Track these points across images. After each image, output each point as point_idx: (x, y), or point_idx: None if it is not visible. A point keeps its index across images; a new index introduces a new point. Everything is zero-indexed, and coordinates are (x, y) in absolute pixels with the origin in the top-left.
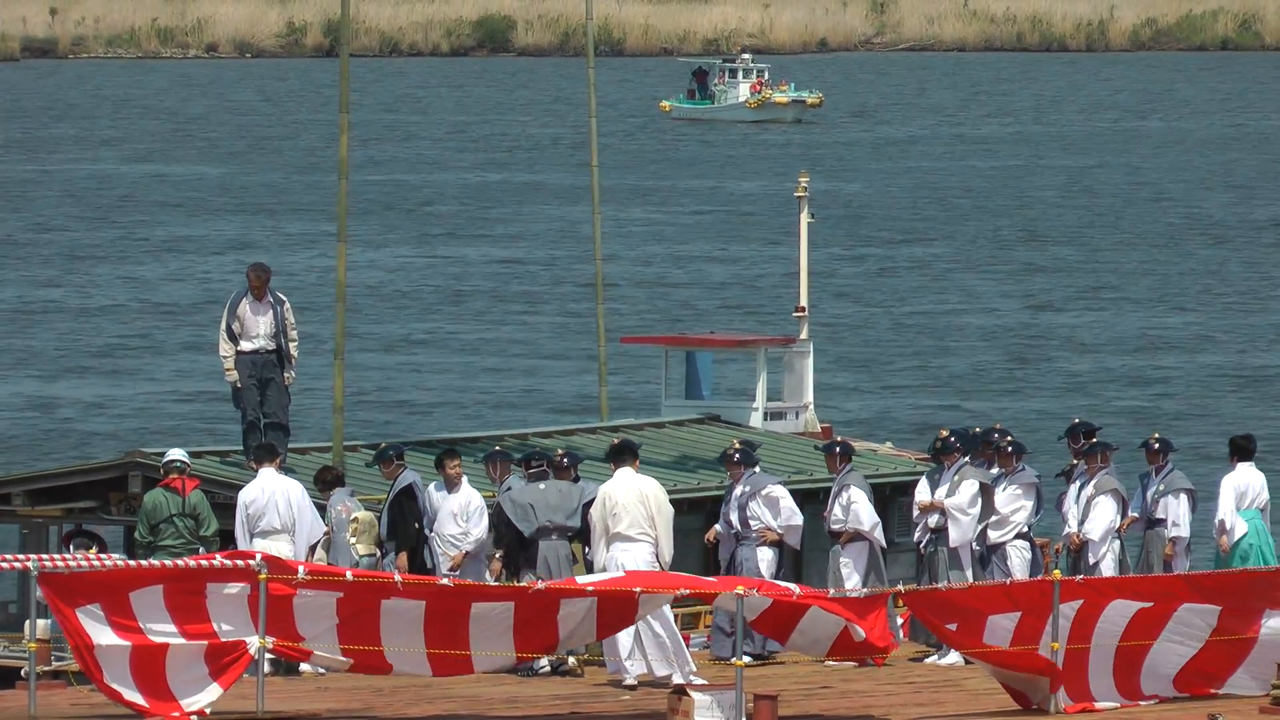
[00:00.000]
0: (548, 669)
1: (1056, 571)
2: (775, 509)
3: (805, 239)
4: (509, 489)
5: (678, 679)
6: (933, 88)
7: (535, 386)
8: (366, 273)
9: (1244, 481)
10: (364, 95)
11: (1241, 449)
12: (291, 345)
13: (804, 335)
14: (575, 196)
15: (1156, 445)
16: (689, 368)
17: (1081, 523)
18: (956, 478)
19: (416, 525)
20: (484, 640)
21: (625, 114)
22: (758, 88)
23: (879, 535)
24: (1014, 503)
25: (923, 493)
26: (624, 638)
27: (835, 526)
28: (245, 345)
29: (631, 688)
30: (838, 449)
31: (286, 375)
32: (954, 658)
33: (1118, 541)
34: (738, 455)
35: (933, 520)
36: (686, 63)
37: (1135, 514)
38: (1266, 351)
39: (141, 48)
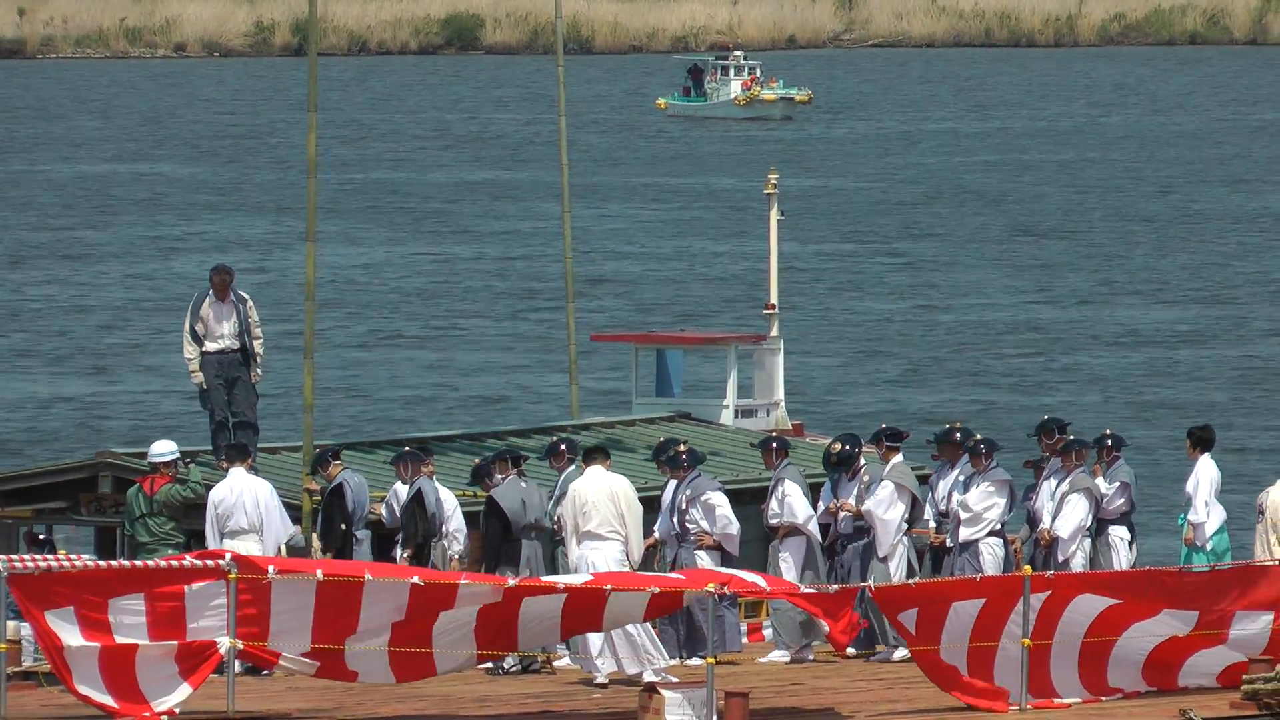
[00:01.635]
0: (518, 667)
1: (1027, 567)
2: (712, 516)
3: (775, 236)
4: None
5: (649, 677)
6: (911, 83)
7: (506, 385)
8: (339, 271)
9: (1215, 473)
10: (338, 94)
11: (1203, 440)
12: (256, 344)
13: (774, 332)
14: (553, 194)
15: (1110, 441)
16: (659, 365)
17: (1053, 520)
18: (866, 479)
19: (344, 526)
20: (446, 640)
21: (619, 111)
22: (749, 85)
23: (814, 529)
24: (986, 500)
25: (843, 495)
26: (594, 636)
27: (773, 521)
28: (210, 345)
29: (602, 686)
30: (774, 444)
31: (253, 373)
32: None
33: (1089, 540)
34: (685, 458)
35: (843, 524)
36: (682, 60)
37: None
38: (1248, 344)
39: (110, 47)
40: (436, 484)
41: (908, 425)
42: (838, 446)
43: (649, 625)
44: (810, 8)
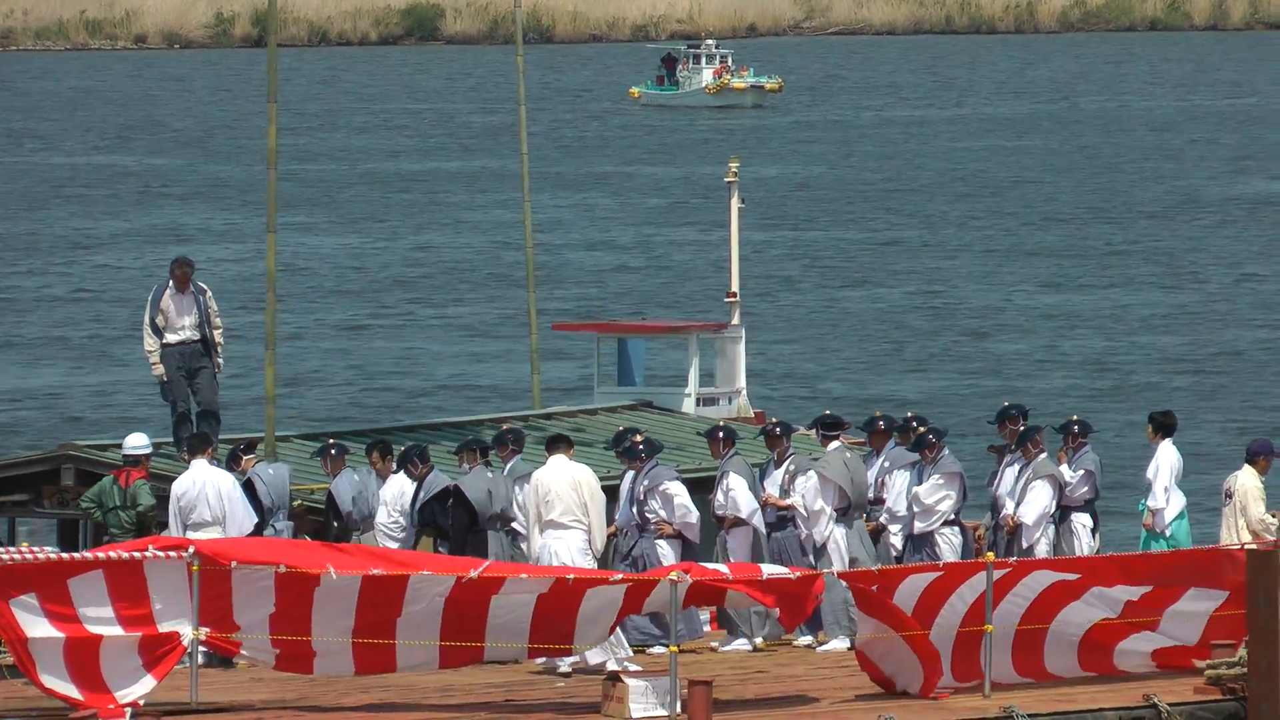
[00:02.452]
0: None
1: (989, 554)
2: (671, 506)
3: (736, 224)
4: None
5: (612, 666)
6: (877, 71)
7: (468, 374)
8: (299, 261)
9: (1176, 459)
10: (300, 85)
11: (1164, 425)
12: (216, 334)
13: (735, 320)
14: (517, 183)
15: (1076, 428)
16: (621, 354)
17: (1016, 506)
18: (792, 469)
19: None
20: (410, 635)
21: (593, 100)
22: (720, 73)
23: (758, 521)
24: (937, 493)
25: (769, 486)
26: None
27: (718, 512)
28: (170, 337)
29: (566, 675)
30: (720, 434)
31: (215, 364)
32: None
33: (1052, 527)
34: (642, 448)
35: (767, 513)
36: (656, 49)
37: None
38: (1216, 329)
39: (70, 40)
40: (357, 477)
41: (877, 411)
42: (773, 420)
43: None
44: None
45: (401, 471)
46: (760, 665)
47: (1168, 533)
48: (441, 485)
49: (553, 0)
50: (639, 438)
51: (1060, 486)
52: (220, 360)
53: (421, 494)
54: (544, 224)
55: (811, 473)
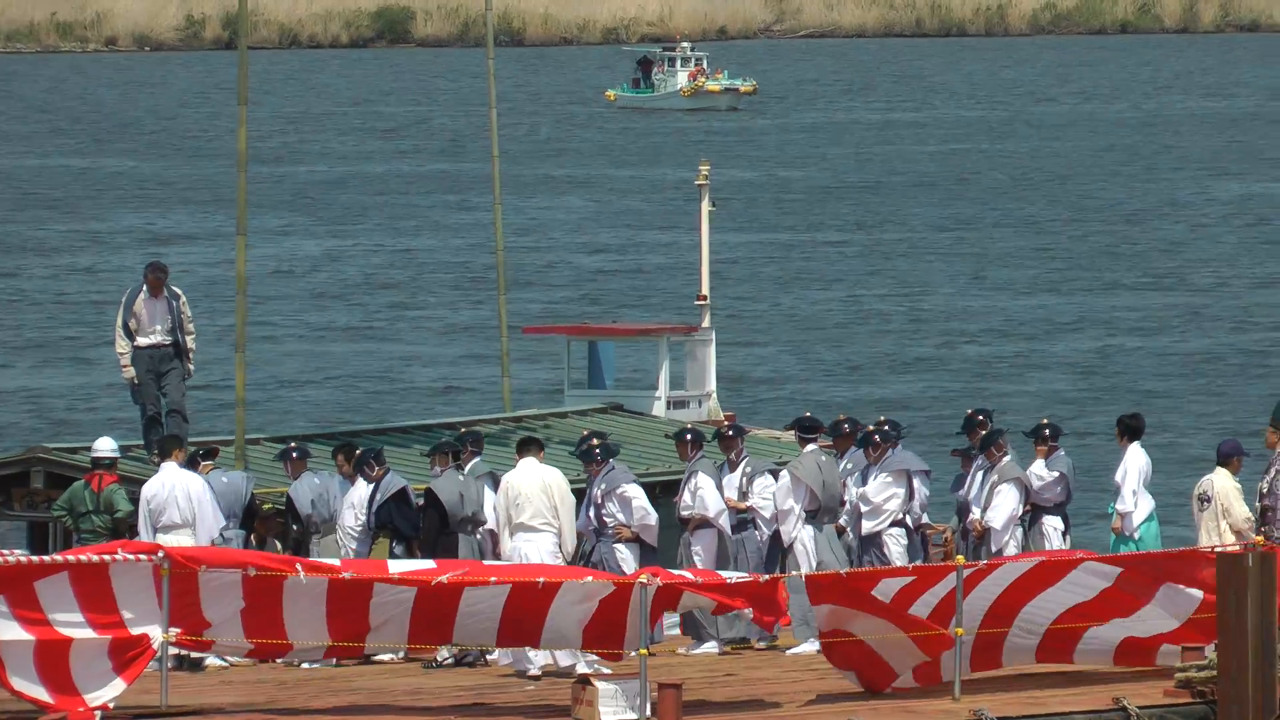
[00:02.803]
0: (451, 660)
1: (960, 557)
2: (629, 509)
3: (706, 227)
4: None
5: (582, 669)
6: (850, 73)
7: (438, 377)
8: (272, 264)
9: (1144, 462)
10: (270, 87)
11: (1133, 429)
12: (189, 339)
13: (706, 323)
14: (486, 187)
15: (1047, 431)
16: (591, 357)
17: (984, 510)
18: (749, 470)
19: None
20: (381, 617)
21: (569, 103)
22: (695, 76)
23: (725, 522)
24: (885, 491)
25: (726, 489)
26: None
27: (685, 513)
28: (142, 340)
29: (535, 678)
30: (689, 436)
31: (186, 369)
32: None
33: (1020, 529)
34: (599, 451)
35: (730, 517)
36: (631, 51)
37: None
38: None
39: (41, 42)
40: (317, 480)
41: (842, 415)
42: (725, 423)
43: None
44: None
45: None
46: (729, 668)
47: (1136, 536)
48: (398, 487)
49: (524, 3)
50: (594, 441)
51: (1027, 489)
52: (191, 366)
53: (378, 496)
54: (517, 227)
55: (784, 472)
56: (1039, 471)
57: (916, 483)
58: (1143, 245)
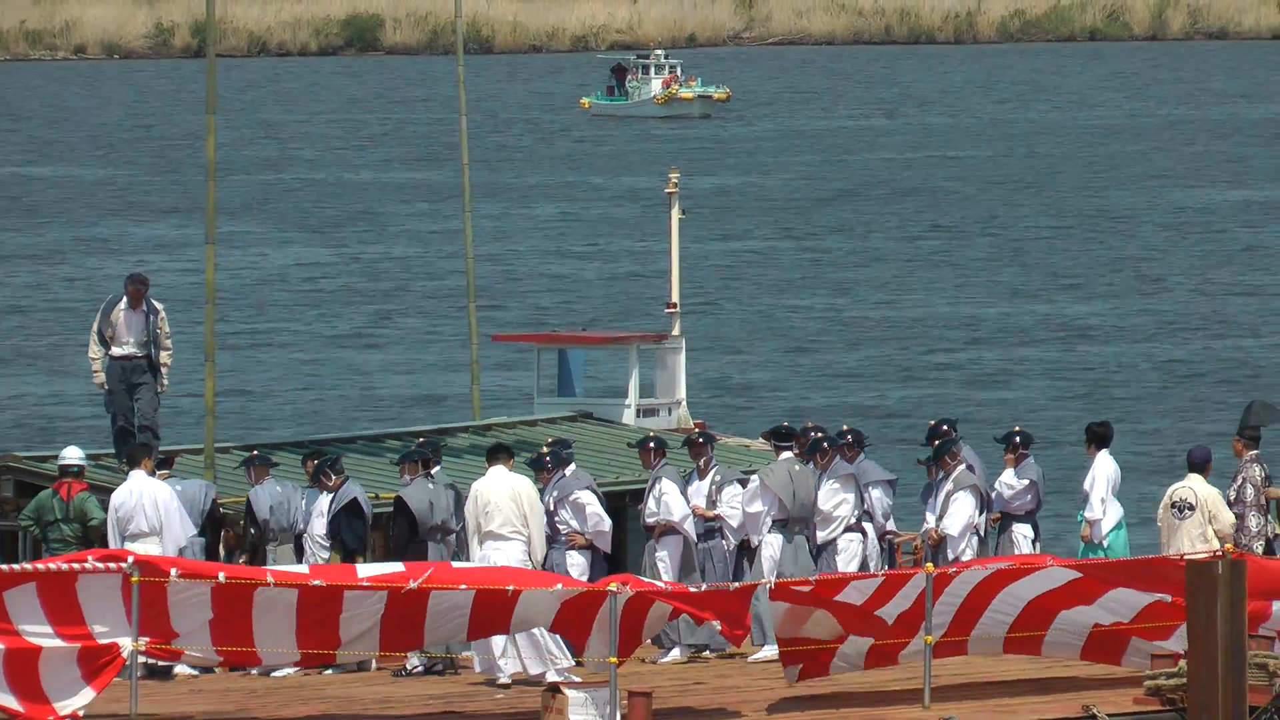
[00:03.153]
0: (421, 669)
1: (929, 565)
2: (582, 515)
3: (676, 235)
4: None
5: (551, 677)
6: (824, 80)
7: (408, 385)
8: (244, 272)
9: (1113, 469)
10: (240, 94)
11: (1101, 437)
12: (165, 354)
13: (676, 331)
14: (457, 195)
15: (1018, 438)
16: (561, 365)
17: (940, 518)
18: (718, 479)
19: None
20: (352, 630)
21: (543, 110)
22: (669, 83)
23: (690, 528)
24: (834, 498)
25: (694, 497)
26: (497, 637)
27: (649, 520)
28: (116, 350)
29: (505, 686)
30: (651, 444)
31: (159, 383)
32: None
33: (976, 537)
34: (549, 459)
35: (696, 525)
36: (606, 59)
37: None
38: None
39: (9, 50)
40: (279, 488)
41: (809, 422)
42: (695, 430)
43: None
44: (710, 6)
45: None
46: (699, 676)
47: (1105, 543)
48: (349, 497)
49: (493, 11)
50: (545, 449)
51: (983, 497)
52: (165, 382)
53: (333, 506)
54: (490, 234)
55: (754, 477)
56: (1009, 480)
57: (879, 492)
58: (1116, 252)
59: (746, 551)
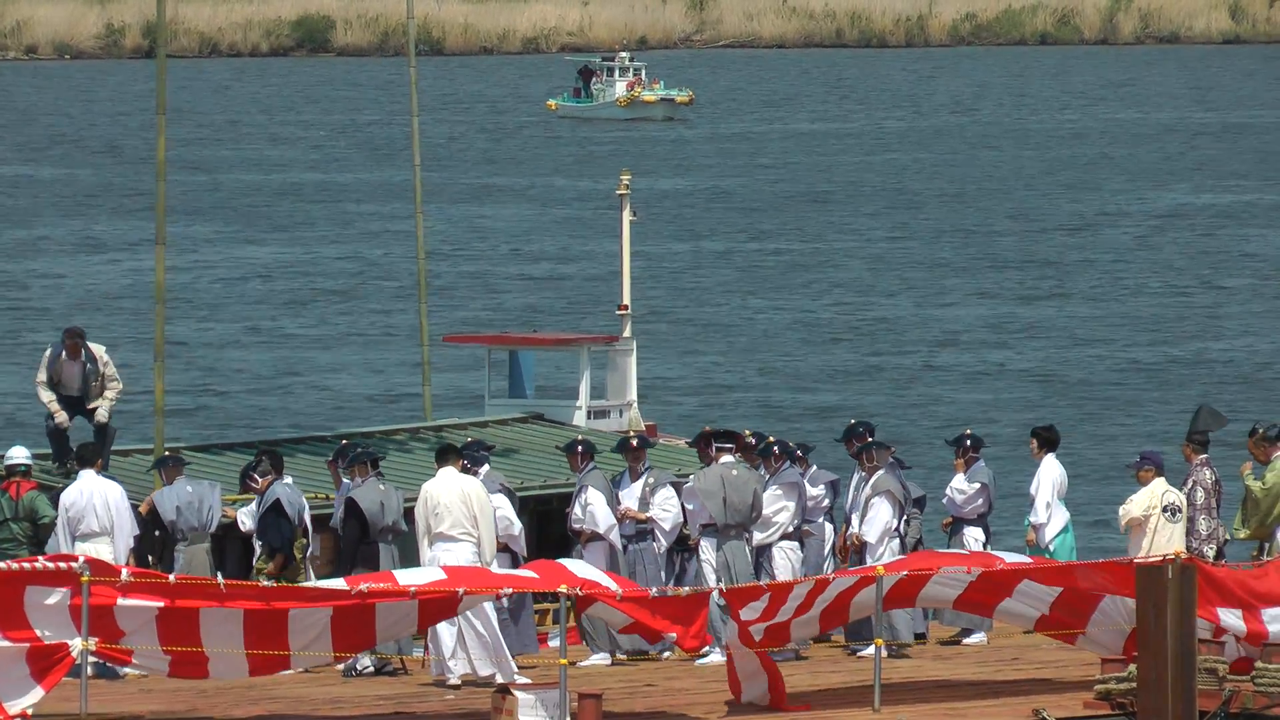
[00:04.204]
0: (371, 669)
1: (880, 567)
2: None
3: (627, 237)
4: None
5: (501, 678)
6: (783, 83)
7: (359, 386)
8: (196, 272)
9: (1059, 473)
10: (191, 95)
11: (1048, 440)
12: (110, 391)
13: (627, 333)
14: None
15: (969, 441)
16: (512, 367)
17: (860, 524)
18: (651, 481)
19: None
20: (301, 640)
21: (507, 112)
22: (632, 86)
23: (615, 537)
24: (776, 503)
25: (627, 499)
26: (446, 638)
27: (575, 526)
28: (62, 392)
29: (455, 687)
30: (579, 448)
31: (99, 413)
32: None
33: (896, 541)
34: (465, 464)
35: (624, 526)
36: (572, 61)
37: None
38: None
39: None
40: (190, 488)
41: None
42: (631, 432)
43: (498, 629)
44: (661, 8)
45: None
46: (650, 678)
47: (1050, 548)
48: (273, 498)
49: (443, 12)
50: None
51: (899, 502)
52: (104, 415)
53: (259, 508)
54: (445, 235)
55: (689, 481)
56: (960, 486)
57: (820, 490)
58: (1074, 256)
59: (680, 554)
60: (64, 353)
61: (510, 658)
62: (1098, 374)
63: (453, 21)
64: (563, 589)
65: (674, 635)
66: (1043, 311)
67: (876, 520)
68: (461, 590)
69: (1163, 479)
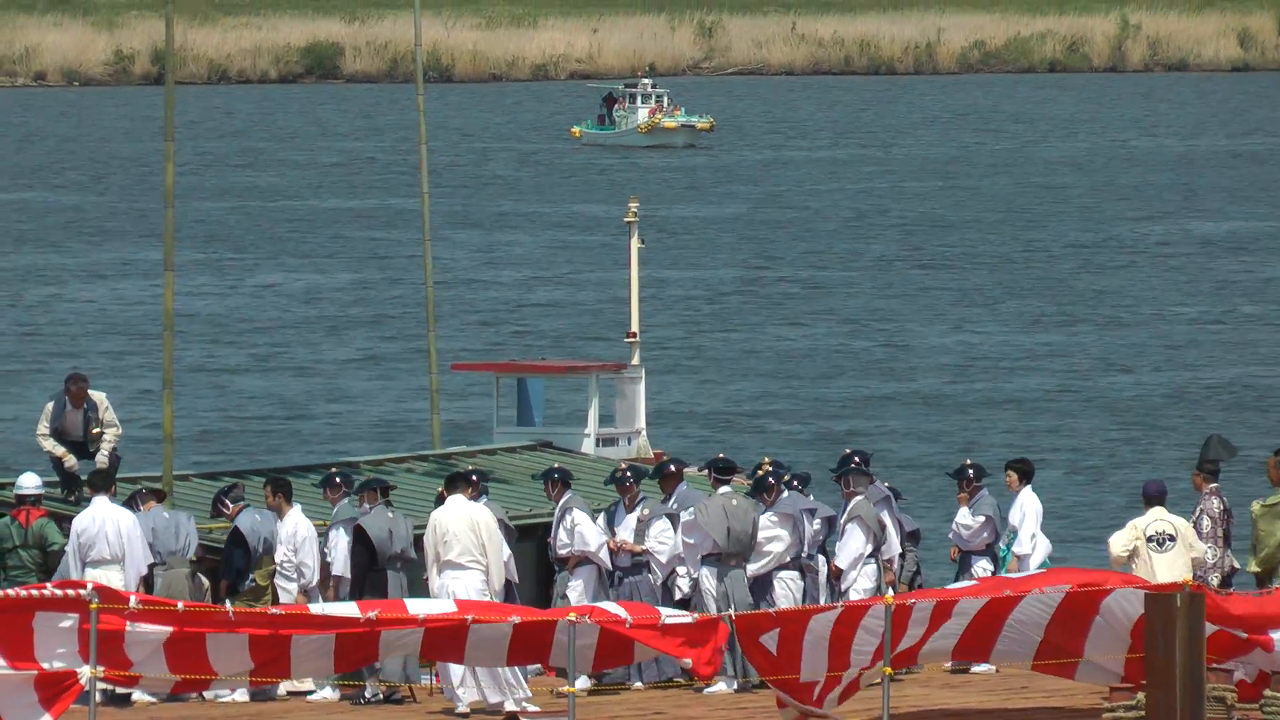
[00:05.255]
0: (379, 697)
1: (890, 594)
2: None
3: (635, 264)
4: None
5: (510, 706)
6: (801, 111)
7: (368, 413)
8: (206, 298)
9: (1038, 505)
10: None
11: (1025, 472)
12: (110, 433)
13: (635, 361)
14: (444, 222)
15: (971, 472)
16: (520, 394)
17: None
18: (646, 513)
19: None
20: (305, 663)
21: (530, 140)
22: (654, 112)
23: (605, 557)
24: (769, 532)
25: (622, 531)
26: (455, 665)
27: (561, 551)
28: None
29: (464, 715)
30: (555, 476)
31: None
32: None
33: (870, 566)
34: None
35: (620, 558)
36: (595, 88)
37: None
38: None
39: None
40: (297, 510)
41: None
42: (623, 466)
43: None
44: (669, 35)
45: (297, 508)
46: (659, 706)
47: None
48: (233, 527)
49: (452, 39)
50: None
51: (872, 530)
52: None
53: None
54: (454, 263)
55: (689, 512)
56: (964, 521)
57: (806, 521)
58: (1081, 284)
59: (675, 585)
60: (67, 401)
61: (523, 682)
62: (1110, 400)
63: (461, 48)
64: (570, 617)
65: (689, 662)
66: (1055, 338)
67: (850, 547)
68: (470, 617)
69: (1159, 508)
